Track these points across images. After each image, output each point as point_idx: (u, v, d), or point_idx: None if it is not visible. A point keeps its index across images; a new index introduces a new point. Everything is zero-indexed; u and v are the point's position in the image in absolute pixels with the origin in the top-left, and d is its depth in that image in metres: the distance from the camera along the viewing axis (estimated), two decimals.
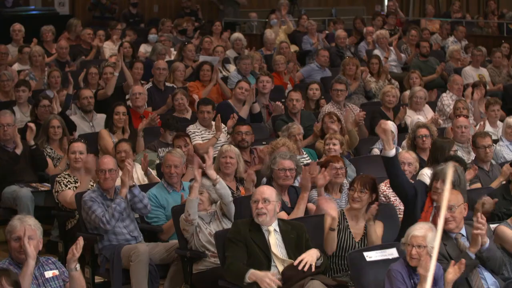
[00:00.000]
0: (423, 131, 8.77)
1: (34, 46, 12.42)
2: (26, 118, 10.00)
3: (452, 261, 5.77)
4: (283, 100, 10.82)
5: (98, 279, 7.39)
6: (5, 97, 10.87)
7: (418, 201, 6.53)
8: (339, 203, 7.47)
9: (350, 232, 6.61)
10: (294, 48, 15.07)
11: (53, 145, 9.13)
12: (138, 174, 8.36)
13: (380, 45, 14.35)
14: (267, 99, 11.00)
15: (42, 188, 8.60)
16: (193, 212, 6.72)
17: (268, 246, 6.35)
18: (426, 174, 7.65)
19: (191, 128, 9.54)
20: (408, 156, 7.89)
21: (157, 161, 8.72)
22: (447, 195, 2.73)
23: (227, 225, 6.81)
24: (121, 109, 9.45)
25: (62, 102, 10.23)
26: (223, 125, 9.57)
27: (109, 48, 14.16)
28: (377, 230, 6.62)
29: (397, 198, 7.64)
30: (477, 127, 10.08)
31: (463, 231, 6.22)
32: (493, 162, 8.86)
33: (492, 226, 6.60)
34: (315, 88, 11.17)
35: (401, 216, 7.24)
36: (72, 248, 5.47)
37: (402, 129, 9.97)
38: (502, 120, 10.15)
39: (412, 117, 10.32)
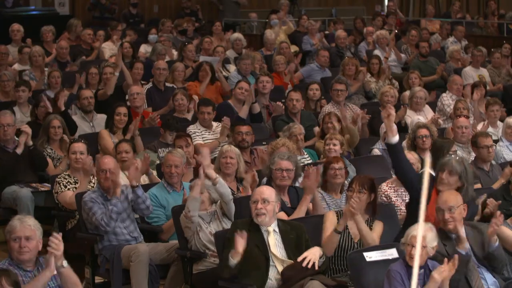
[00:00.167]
0: (423, 132, 8.77)
1: (34, 47, 12.43)
2: (26, 118, 10.00)
3: (445, 259, 5.77)
4: (283, 100, 10.82)
5: (98, 279, 7.39)
6: (5, 97, 10.88)
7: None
8: (339, 203, 7.47)
9: (349, 232, 6.61)
10: (294, 48, 15.07)
11: (53, 145, 9.12)
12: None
13: (380, 45, 14.36)
14: (267, 99, 11.00)
15: (42, 189, 8.60)
16: (193, 209, 6.73)
17: (267, 247, 6.35)
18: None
19: (191, 129, 9.54)
20: (411, 157, 7.88)
21: (157, 161, 8.72)
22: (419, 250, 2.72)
23: (227, 225, 6.81)
24: (123, 110, 9.45)
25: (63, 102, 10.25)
26: (218, 123, 9.56)
27: (109, 48, 14.16)
28: (376, 229, 6.62)
29: (398, 198, 7.64)
30: (479, 127, 10.08)
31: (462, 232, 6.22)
32: (493, 162, 8.86)
33: None
34: (315, 89, 11.17)
35: (401, 216, 7.24)
36: (49, 249, 5.31)
37: (402, 128, 9.96)
38: (502, 120, 10.15)
39: (412, 117, 10.32)
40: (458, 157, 6.69)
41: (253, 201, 6.44)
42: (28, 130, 8.71)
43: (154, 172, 8.44)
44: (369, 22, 17.23)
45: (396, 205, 7.53)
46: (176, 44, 14.65)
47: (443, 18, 19.12)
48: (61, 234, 5.41)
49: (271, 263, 6.33)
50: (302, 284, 6.16)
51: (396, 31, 16.15)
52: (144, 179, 8.25)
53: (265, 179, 7.65)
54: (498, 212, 6.18)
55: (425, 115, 10.63)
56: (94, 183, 7.86)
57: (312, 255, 6.26)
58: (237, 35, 14.92)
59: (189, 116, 10.36)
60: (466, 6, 21.94)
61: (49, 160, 8.92)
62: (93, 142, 9.05)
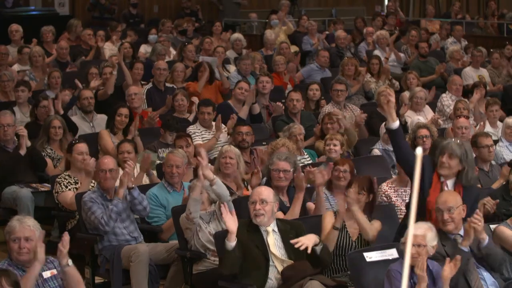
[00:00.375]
0: (424, 132, 8.77)
1: (34, 47, 12.43)
2: (26, 119, 10.00)
3: (447, 259, 5.77)
4: (283, 100, 10.82)
5: (98, 280, 7.39)
6: (5, 98, 10.88)
7: (426, 177, 6.39)
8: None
9: (347, 231, 6.62)
10: (294, 48, 15.07)
11: (53, 145, 9.12)
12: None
13: (380, 45, 14.36)
14: (267, 99, 11.00)
15: (42, 189, 8.60)
16: (194, 210, 6.73)
17: (266, 247, 6.35)
18: None
19: (191, 129, 9.55)
20: None
21: (157, 162, 8.73)
22: (410, 245, 2.73)
23: None
24: (124, 111, 9.44)
25: (64, 102, 10.26)
26: (223, 126, 9.58)
27: (109, 48, 14.16)
28: (375, 225, 6.64)
29: (398, 198, 7.65)
30: (477, 127, 10.08)
31: (461, 232, 6.22)
32: (493, 162, 8.87)
33: (492, 226, 6.61)
34: (315, 89, 11.17)
35: (401, 216, 7.24)
36: (59, 245, 5.46)
37: (403, 128, 9.95)
38: (502, 121, 10.16)
39: (412, 118, 10.32)
40: (458, 140, 6.66)
41: (252, 201, 6.44)
42: (24, 131, 8.72)
43: (154, 172, 8.44)
44: (369, 23, 17.23)
45: (396, 205, 7.54)
46: (176, 44, 14.65)
47: (443, 18, 19.12)
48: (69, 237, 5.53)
49: (271, 263, 6.33)
50: (302, 284, 6.16)
51: (396, 31, 16.15)
52: (145, 180, 8.26)
53: (264, 179, 7.65)
54: (477, 211, 6.16)
55: (425, 115, 10.63)
56: (94, 183, 7.86)
57: (307, 240, 6.24)
58: (237, 35, 14.93)
59: (190, 117, 10.35)
60: (466, 6, 21.95)
61: (48, 160, 8.92)
62: (93, 143, 9.05)
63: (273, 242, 6.38)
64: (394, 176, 8.20)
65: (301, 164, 8.23)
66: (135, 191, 7.20)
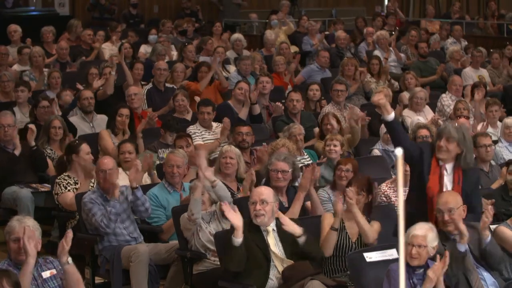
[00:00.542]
0: (424, 132, 8.77)
1: (34, 47, 12.43)
2: (26, 119, 10.00)
3: (438, 256, 5.77)
4: (283, 101, 10.82)
5: (98, 280, 7.39)
6: (5, 98, 10.88)
7: (425, 162, 6.37)
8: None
9: (346, 232, 6.62)
10: (294, 49, 15.08)
11: (54, 145, 9.12)
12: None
13: (380, 45, 14.36)
14: (267, 99, 11.00)
15: (42, 189, 8.59)
16: (196, 211, 6.73)
17: (267, 246, 6.35)
18: None
19: (191, 129, 9.55)
20: None
21: (157, 162, 8.73)
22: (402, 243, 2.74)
23: (227, 225, 6.81)
24: (125, 111, 9.44)
25: (66, 103, 10.27)
26: (217, 124, 9.57)
27: (108, 49, 14.17)
28: (375, 226, 6.64)
29: (398, 198, 7.64)
30: (479, 128, 10.08)
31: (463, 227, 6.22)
32: (493, 163, 8.87)
33: (492, 226, 6.61)
34: (315, 89, 11.18)
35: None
36: (62, 241, 5.45)
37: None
38: (502, 121, 10.15)
39: (412, 118, 10.32)
40: (456, 123, 6.63)
41: (252, 202, 6.44)
42: (34, 128, 8.73)
43: (155, 172, 8.44)
44: (369, 23, 17.24)
45: (395, 205, 7.53)
46: (176, 45, 14.65)
47: (443, 18, 19.13)
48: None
49: (271, 262, 6.33)
50: (303, 284, 6.16)
51: (395, 31, 16.16)
52: (146, 180, 8.26)
53: (264, 179, 7.65)
54: (489, 207, 6.16)
55: (425, 116, 10.63)
56: (94, 183, 7.86)
57: (292, 226, 6.27)
58: (237, 35, 14.93)
59: (189, 117, 10.35)
60: (466, 6, 21.95)
61: (49, 160, 8.92)
62: (93, 143, 9.03)
63: (273, 241, 6.39)
64: (394, 176, 8.20)
65: (300, 165, 8.23)
66: (139, 191, 7.19)
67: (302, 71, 13.47)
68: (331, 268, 6.57)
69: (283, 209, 7.14)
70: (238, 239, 6.19)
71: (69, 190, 7.87)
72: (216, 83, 11.89)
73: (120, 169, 7.86)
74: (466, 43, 16.19)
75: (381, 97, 6.26)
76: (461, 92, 11.55)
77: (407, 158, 6.54)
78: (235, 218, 6.23)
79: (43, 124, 9.23)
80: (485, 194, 7.53)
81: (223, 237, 6.43)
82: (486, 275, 6.18)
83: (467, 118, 9.88)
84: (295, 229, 6.32)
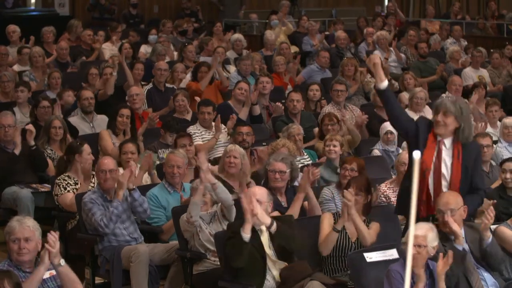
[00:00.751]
0: None
1: (34, 47, 12.43)
2: (26, 119, 10.00)
3: (441, 254, 5.76)
4: (283, 101, 10.83)
5: (98, 280, 7.39)
6: (6, 98, 10.88)
7: (420, 137, 6.26)
8: None
9: (346, 232, 6.62)
10: (294, 49, 15.08)
11: (54, 145, 9.11)
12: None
13: (380, 46, 14.36)
14: (267, 100, 11.00)
15: (42, 189, 8.59)
16: (195, 214, 6.72)
17: (262, 246, 6.36)
18: None
19: (191, 129, 9.55)
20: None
21: (157, 162, 8.73)
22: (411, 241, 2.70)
23: None
24: (126, 112, 9.43)
25: (68, 104, 10.26)
26: (223, 126, 9.58)
27: (108, 49, 14.17)
28: (374, 227, 6.64)
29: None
30: (479, 127, 10.07)
31: (462, 233, 6.22)
32: (493, 163, 8.87)
33: (492, 226, 6.60)
34: (315, 89, 11.18)
35: (401, 217, 7.24)
36: (46, 245, 5.33)
37: None
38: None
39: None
40: (450, 97, 6.57)
41: None
42: (32, 129, 8.73)
43: (155, 172, 8.43)
44: (369, 23, 17.25)
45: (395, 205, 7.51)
46: (176, 45, 14.65)
47: (443, 18, 19.13)
48: (58, 233, 5.42)
49: (267, 262, 6.32)
50: (302, 284, 6.15)
51: (392, 31, 16.16)
52: (146, 180, 8.26)
53: (263, 180, 7.65)
54: (491, 208, 6.15)
55: (425, 116, 10.62)
56: (94, 183, 7.86)
57: (261, 214, 6.24)
58: (238, 35, 14.94)
59: (188, 117, 10.36)
60: (466, 6, 21.96)
61: (49, 160, 8.92)
62: (93, 143, 9.03)
63: (266, 242, 6.38)
64: (394, 176, 8.20)
65: (300, 165, 8.24)
66: (136, 192, 7.17)
67: (302, 71, 13.46)
68: (331, 267, 6.57)
69: (282, 210, 7.15)
70: (248, 234, 6.20)
71: (68, 191, 7.87)
72: (216, 83, 11.89)
73: (121, 169, 7.86)
74: (466, 43, 16.19)
75: (377, 59, 6.20)
76: (461, 92, 11.55)
77: (402, 130, 6.46)
78: (253, 206, 6.18)
79: (43, 124, 9.23)
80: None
81: (224, 237, 6.43)
82: (486, 275, 6.18)
83: None
84: (264, 219, 6.29)
